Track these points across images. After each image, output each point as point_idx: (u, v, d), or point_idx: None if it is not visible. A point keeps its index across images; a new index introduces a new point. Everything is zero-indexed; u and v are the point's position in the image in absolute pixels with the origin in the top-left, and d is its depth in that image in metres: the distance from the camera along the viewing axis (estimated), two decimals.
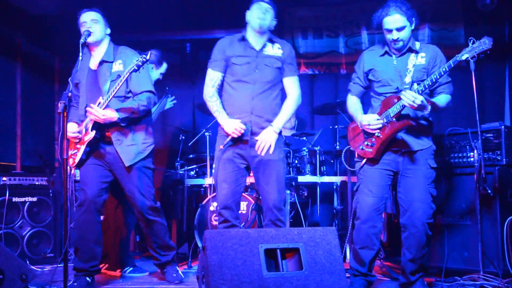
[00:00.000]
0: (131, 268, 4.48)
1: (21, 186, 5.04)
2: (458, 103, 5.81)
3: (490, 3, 5.46)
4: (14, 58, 5.98)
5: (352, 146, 3.79)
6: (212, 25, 6.30)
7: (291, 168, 5.01)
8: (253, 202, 4.64)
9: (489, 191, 3.77)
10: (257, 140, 3.68)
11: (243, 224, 4.50)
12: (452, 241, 4.04)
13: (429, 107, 3.43)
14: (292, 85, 3.83)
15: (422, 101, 3.32)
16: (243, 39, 3.77)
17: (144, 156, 3.94)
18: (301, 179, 4.98)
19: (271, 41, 3.80)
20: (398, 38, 3.51)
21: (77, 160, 3.84)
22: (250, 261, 2.91)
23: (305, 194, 5.23)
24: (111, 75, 3.85)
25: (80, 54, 3.49)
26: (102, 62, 3.93)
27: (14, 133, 5.92)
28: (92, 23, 3.91)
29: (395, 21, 3.49)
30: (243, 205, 4.62)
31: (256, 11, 3.71)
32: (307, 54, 6.34)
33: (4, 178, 4.94)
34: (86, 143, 3.80)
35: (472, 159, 3.98)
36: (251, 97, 3.70)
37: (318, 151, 5.10)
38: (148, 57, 3.65)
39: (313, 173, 5.07)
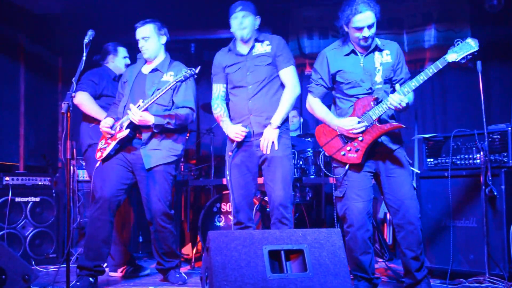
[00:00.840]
0: (133, 269, 4.46)
1: (24, 186, 5.03)
2: (464, 104, 5.83)
3: (497, 4, 5.42)
4: (17, 58, 5.98)
5: (327, 151, 3.61)
6: (216, 25, 6.26)
7: (296, 169, 4.98)
8: (257, 203, 4.62)
9: (495, 193, 3.76)
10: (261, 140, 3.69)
11: None
12: (458, 243, 4.01)
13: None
14: (286, 76, 3.78)
15: (407, 103, 3.30)
16: (232, 47, 3.86)
17: (166, 162, 3.93)
18: (306, 180, 4.95)
19: (257, 40, 3.81)
20: (369, 35, 3.40)
21: (105, 154, 3.89)
22: (254, 263, 2.89)
23: (310, 195, 5.20)
24: (159, 83, 3.91)
25: (84, 53, 3.46)
26: (155, 70, 4.02)
27: (17, 133, 5.92)
28: (144, 42, 3.98)
29: (366, 18, 3.35)
30: None
31: (234, 23, 3.78)
32: (313, 54, 6.30)
33: (7, 178, 4.94)
34: (117, 140, 3.86)
35: (478, 160, 3.95)
36: (247, 99, 3.75)
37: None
38: (197, 71, 3.73)
39: (318, 174, 5.04)
